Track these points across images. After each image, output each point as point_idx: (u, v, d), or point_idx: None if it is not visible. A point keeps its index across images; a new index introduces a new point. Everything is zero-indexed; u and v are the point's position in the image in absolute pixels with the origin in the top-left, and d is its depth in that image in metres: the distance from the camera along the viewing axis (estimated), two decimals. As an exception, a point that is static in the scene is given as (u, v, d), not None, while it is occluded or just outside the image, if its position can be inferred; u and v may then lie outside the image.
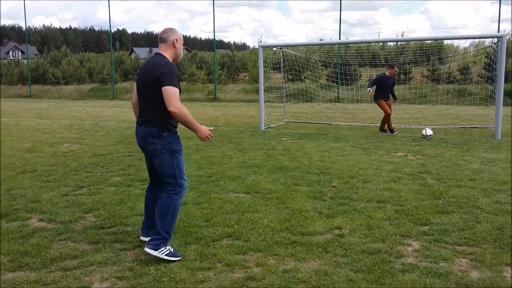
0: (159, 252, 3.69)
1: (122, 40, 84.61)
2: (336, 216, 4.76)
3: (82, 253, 3.86)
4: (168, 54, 3.80)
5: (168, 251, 3.74)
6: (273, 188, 5.85)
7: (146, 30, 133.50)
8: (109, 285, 3.33)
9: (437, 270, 3.48)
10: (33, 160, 7.92)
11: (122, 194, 5.65)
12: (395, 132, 11.01)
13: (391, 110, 11.08)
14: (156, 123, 3.73)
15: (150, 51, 67.14)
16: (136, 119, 3.95)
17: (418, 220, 4.62)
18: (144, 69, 3.80)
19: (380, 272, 3.45)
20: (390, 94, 11.27)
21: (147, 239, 3.97)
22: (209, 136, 3.79)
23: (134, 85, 3.85)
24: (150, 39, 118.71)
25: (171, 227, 3.84)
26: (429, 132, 10.20)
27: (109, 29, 29.61)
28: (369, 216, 4.73)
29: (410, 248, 3.93)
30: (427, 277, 3.37)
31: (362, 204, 5.17)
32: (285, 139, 10.32)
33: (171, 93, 3.56)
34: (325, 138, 10.37)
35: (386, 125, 11.17)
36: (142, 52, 62.95)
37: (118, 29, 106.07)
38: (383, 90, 11.05)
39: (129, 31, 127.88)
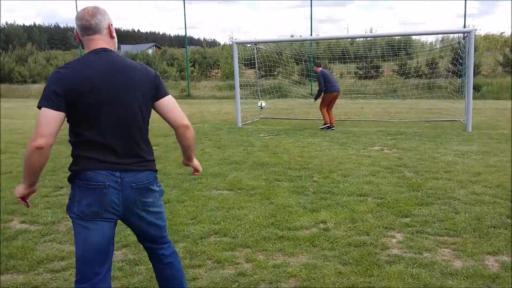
0: None
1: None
2: (320, 210, 4.84)
3: (69, 254, 3.81)
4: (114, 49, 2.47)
5: None
6: (255, 184, 5.89)
7: (114, 27, 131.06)
8: (100, 285, 3.30)
9: (422, 261, 3.59)
10: (7, 161, 7.73)
11: (103, 194, 5.58)
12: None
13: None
14: (152, 160, 2.48)
15: (119, 48, 66.12)
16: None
17: (399, 212, 4.74)
18: (124, 76, 2.33)
19: (367, 264, 3.54)
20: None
21: None
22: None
23: (51, 114, 2.19)
24: (118, 36, 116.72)
25: None
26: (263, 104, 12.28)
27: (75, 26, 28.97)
28: (352, 210, 4.83)
29: (394, 240, 4.04)
30: (413, 268, 3.47)
31: (344, 198, 5.27)
32: (262, 135, 10.37)
33: (176, 103, 2.51)
34: (302, 133, 10.47)
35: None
36: (110, 49, 61.86)
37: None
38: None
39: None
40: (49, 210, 4.99)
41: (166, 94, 2.46)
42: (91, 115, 2.27)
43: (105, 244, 2.36)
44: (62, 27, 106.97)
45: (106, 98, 2.27)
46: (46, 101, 2.20)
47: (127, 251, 3.87)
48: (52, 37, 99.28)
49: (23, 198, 2.40)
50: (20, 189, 2.37)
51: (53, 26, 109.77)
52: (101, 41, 2.39)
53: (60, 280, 3.36)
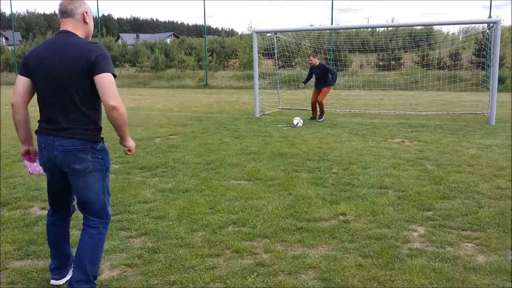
0: None
1: (108, 26, 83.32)
2: (339, 202, 4.78)
3: (89, 241, 3.83)
4: (80, 34, 2.78)
5: None
6: (274, 175, 5.85)
7: (132, 16, 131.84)
8: (119, 272, 3.32)
9: (444, 255, 3.52)
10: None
11: (122, 182, 5.61)
12: (313, 118, 11.34)
13: (315, 98, 11.46)
14: (87, 131, 2.74)
15: (137, 37, 66.40)
16: (19, 125, 2.93)
17: (421, 205, 4.66)
18: (58, 53, 2.67)
19: (388, 257, 3.48)
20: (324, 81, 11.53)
21: (62, 281, 3.12)
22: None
23: (19, 78, 2.82)
24: (137, 25, 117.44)
25: (98, 268, 2.98)
26: (298, 123, 10.17)
27: (96, 15, 29.15)
28: (372, 202, 4.76)
29: (415, 234, 3.97)
30: (435, 262, 3.40)
31: (364, 190, 5.19)
32: (281, 126, 10.31)
33: (112, 82, 2.64)
34: (321, 125, 10.38)
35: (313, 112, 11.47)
36: (129, 38, 62.28)
37: (103, 15, 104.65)
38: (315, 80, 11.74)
39: (115, 16, 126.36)
40: (69, 197, 5.02)
41: (100, 72, 2.63)
42: (37, 88, 2.78)
43: (58, 190, 2.98)
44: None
45: (45, 73, 2.70)
46: (19, 69, 2.84)
47: (146, 239, 3.87)
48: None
49: (25, 154, 3.06)
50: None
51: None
52: (69, 24, 2.78)
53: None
